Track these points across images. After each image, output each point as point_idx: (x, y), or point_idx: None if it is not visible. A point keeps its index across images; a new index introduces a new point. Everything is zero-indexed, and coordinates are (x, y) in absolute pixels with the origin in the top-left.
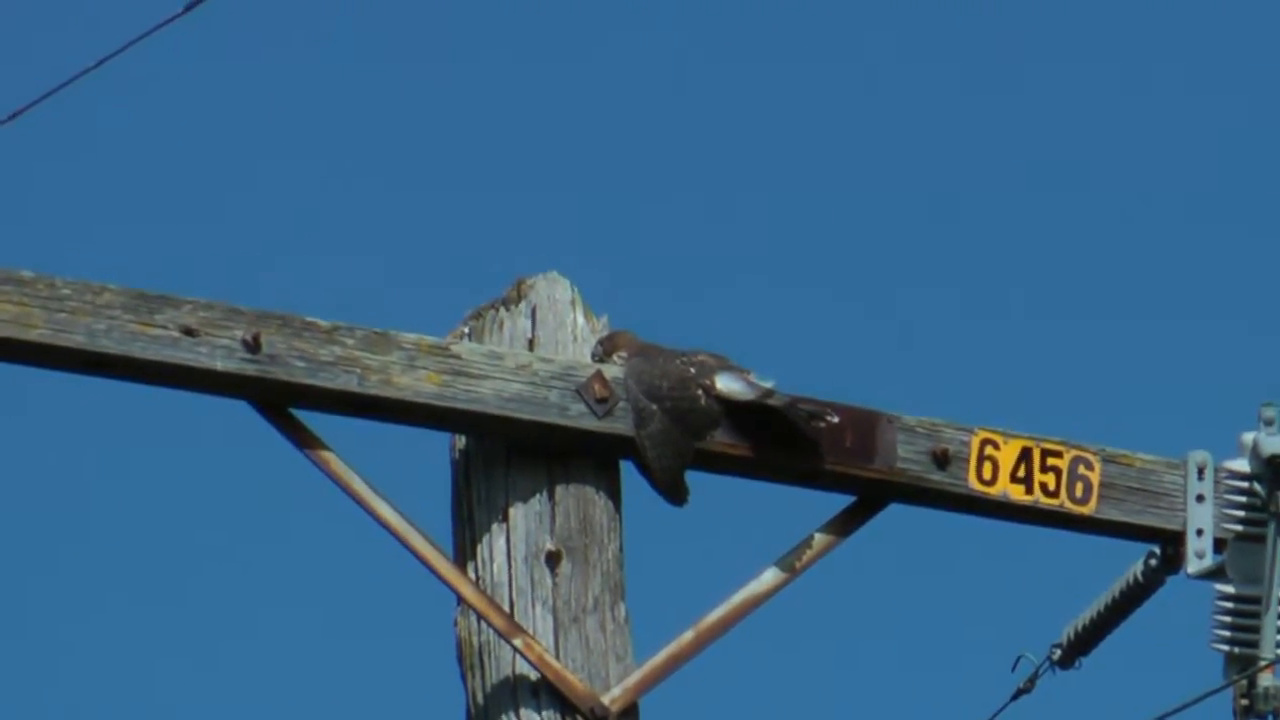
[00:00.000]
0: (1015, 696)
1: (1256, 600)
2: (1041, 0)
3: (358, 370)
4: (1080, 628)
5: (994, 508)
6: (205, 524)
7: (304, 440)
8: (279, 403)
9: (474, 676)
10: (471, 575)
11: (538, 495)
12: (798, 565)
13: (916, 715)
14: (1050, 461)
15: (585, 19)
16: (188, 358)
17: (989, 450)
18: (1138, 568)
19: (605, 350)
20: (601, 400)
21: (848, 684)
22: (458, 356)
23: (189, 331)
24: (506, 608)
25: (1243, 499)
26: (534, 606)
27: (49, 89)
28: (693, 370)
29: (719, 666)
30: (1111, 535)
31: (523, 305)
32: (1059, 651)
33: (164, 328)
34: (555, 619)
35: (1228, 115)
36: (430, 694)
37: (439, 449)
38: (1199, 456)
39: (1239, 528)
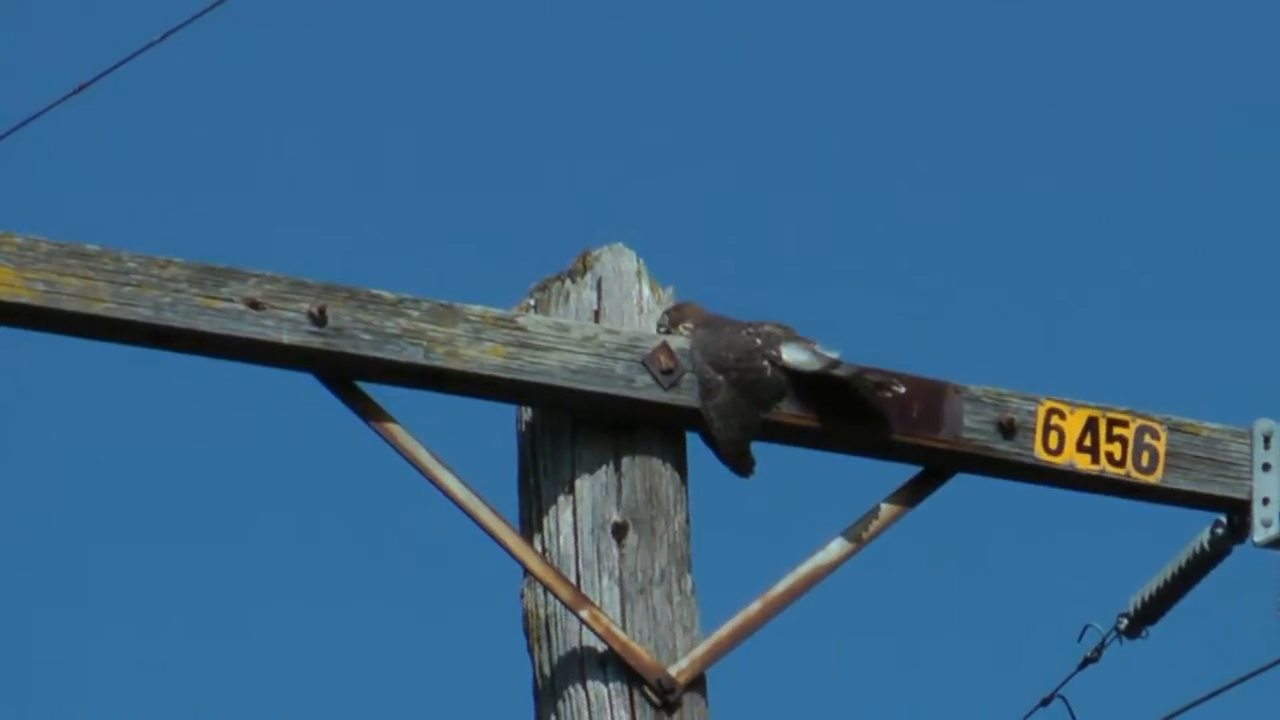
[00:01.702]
0: (1082, 666)
1: None
2: None
3: (424, 343)
4: (1147, 597)
5: (1060, 477)
6: (273, 497)
7: (370, 413)
8: (345, 376)
9: (541, 648)
10: (538, 547)
11: (604, 467)
12: (864, 536)
13: (982, 684)
14: (1116, 431)
15: None
16: (253, 331)
17: (1055, 420)
18: (1204, 537)
19: (672, 321)
20: (667, 372)
21: (914, 654)
22: (524, 329)
23: (254, 304)
24: (573, 579)
25: None
26: (600, 578)
27: (114, 63)
28: (759, 341)
29: (786, 638)
30: (1178, 504)
31: (588, 277)
32: (1126, 621)
33: (229, 301)
34: (622, 591)
35: None
36: (497, 666)
37: (505, 421)
38: (1265, 425)
39: None
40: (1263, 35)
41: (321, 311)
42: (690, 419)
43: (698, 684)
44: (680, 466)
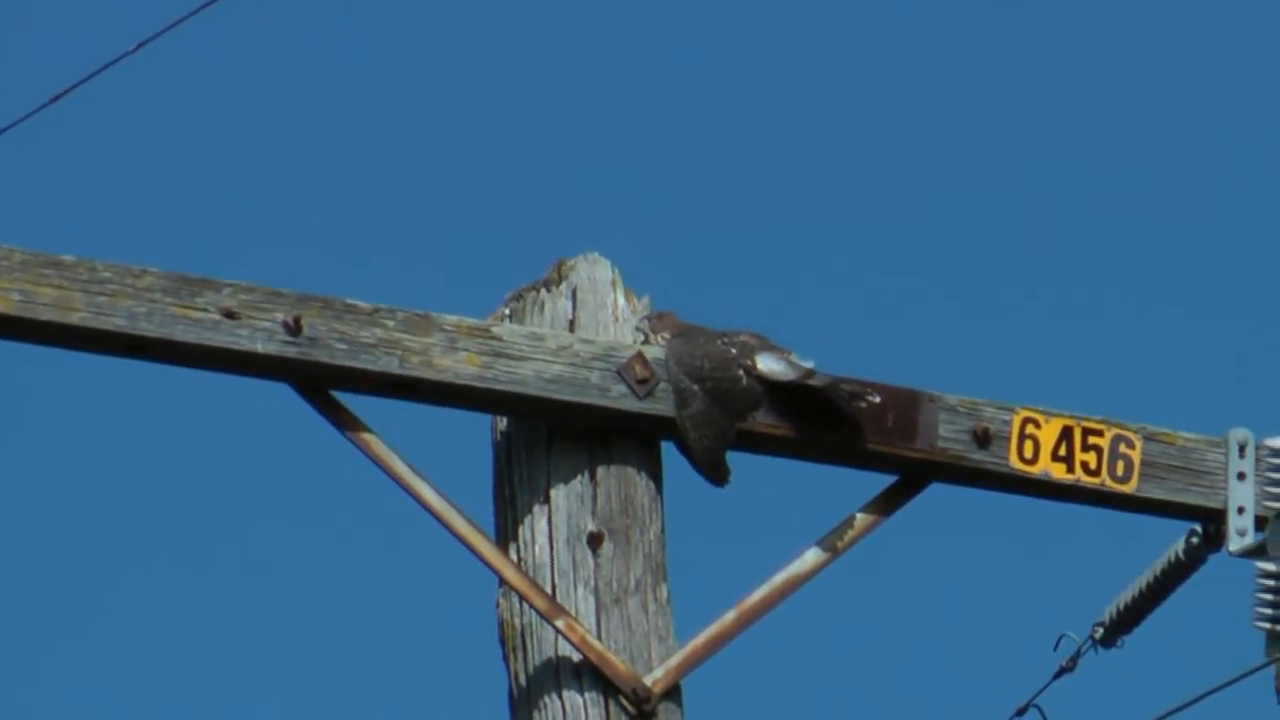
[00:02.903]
0: (1057, 675)
1: None
2: None
3: (399, 352)
4: (1122, 606)
5: (1035, 487)
6: (246, 507)
7: (345, 422)
8: (320, 385)
9: (516, 658)
10: (513, 557)
11: (579, 476)
12: (839, 545)
13: (958, 694)
14: (1091, 440)
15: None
16: (228, 340)
17: (1030, 429)
18: (1179, 546)
19: (652, 329)
20: (643, 381)
21: (890, 663)
22: (499, 338)
23: (230, 314)
24: (548, 589)
25: None
26: (576, 588)
27: (89, 72)
28: (734, 351)
29: (761, 647)
30: (1153, 514)
31: (563, 286)
32: (1101, 630)
33: (205, 310)
34: (597, 600)
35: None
36: (472, 676)
37: (480, 431)
38: (1240, 434)
39: None
40: (1257, 39)
41: (297, 321)
42: (665, 428)
43: (673, 693)
44: (655, 476)
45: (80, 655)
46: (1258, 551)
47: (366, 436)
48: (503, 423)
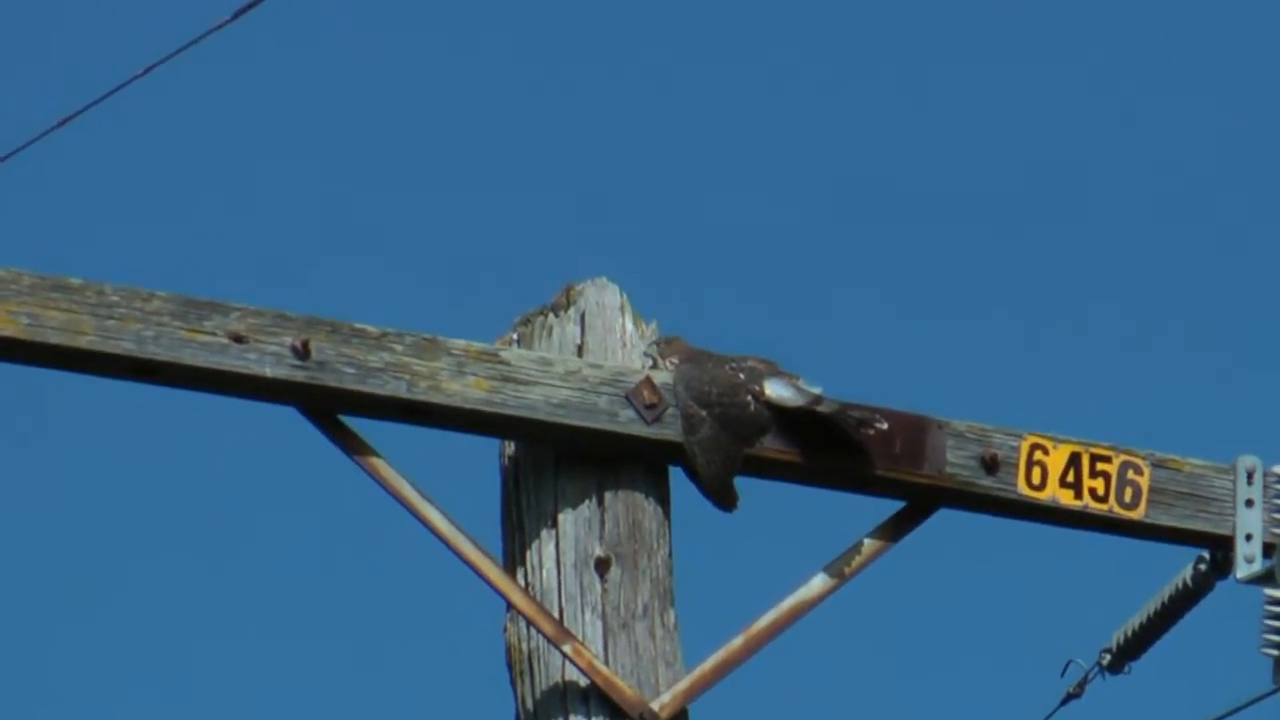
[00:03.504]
0: (1065, 701)
1: None
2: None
3: (407, 376)
4: (1129, 633)
5: (1043, 513)
6: (254, 531)
7: (353, 447)
8: (328, 409)
9: (523, 683)
10: (521, 581)
11: (587, 501)
12: (847, 571)
13: None
14: (1099, 466)
15: (641, 21)
16: (236, 364)
17: (1038, 455)
18: (1187, 573)
19: (660, 354)
20: (651, 406)
21: (897, 689)
22: (507, 363)
23: (238, 338)
24: (556, 614)
25: None
26: (583, 613)
27: (97, 96)
28: (742, 376)
29: (769, 672)
30: (1160, 540)
31: (572, 311)
32: (1108, 656)
33: (213, 334)
34: (605, 625)
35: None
36: (480, 700)
37: (488, 455)
38: (1248, 461)
39: None
40: (1248, 45)
41: (305, 345)
42: (673, 453)
43: (680, 719)
44: (663, 501)
45: (86, 673)
46: (1265, 578)
47: (374, 461)
48: (510, 447)
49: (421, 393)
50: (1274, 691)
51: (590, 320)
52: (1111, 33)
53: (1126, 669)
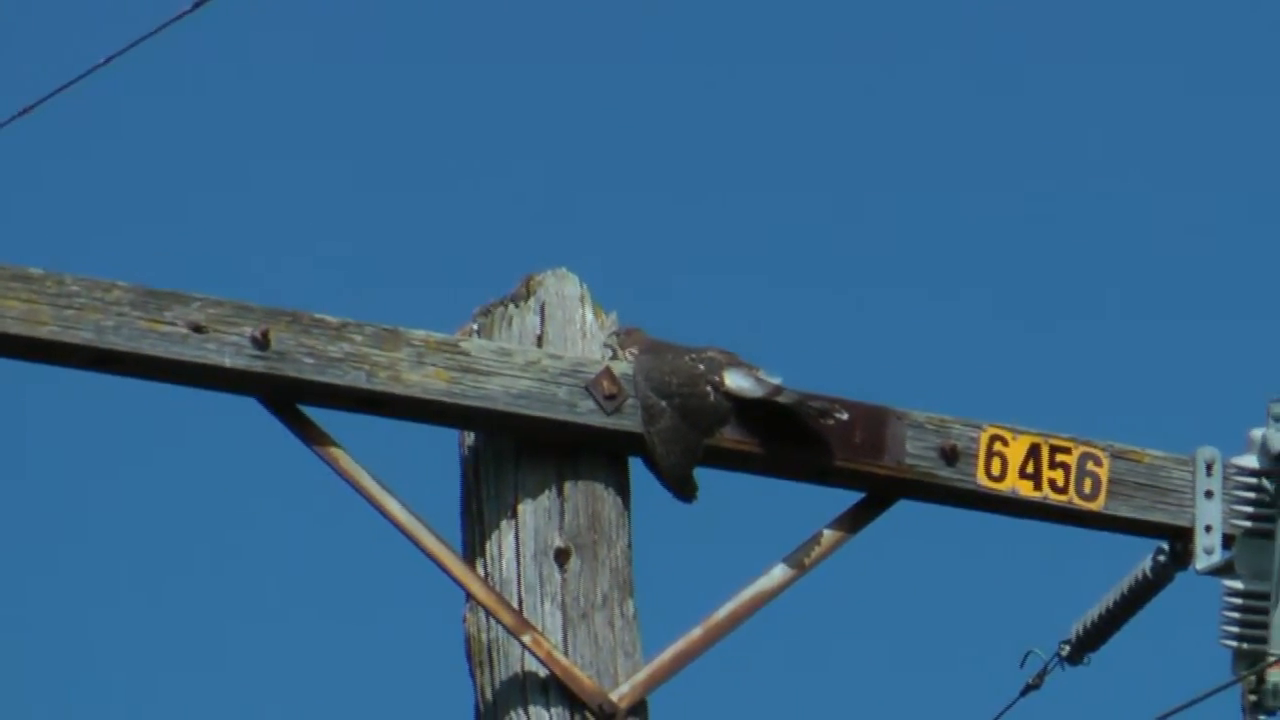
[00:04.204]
0: (1024, 692)
1: (1265, 596)
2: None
3: (366, 367)
4: (1089, 624)
5: (1003, 504)
6: (214, 521)
7: (313, 437)
8: (288, 399)
9: (483, 673)
10: (480, 572)
11: (547, 492)
12: (807, 562)
13: (925, 711)
14: (1059, 458)
15: (597, 16)
16: (196, 354)
17: (998, 446)
18: (1146, 564)
19: (621, 345)
20: (610, 397)
21: (856, 680)
22: (466, 353)
23: (198, 328)
24: (515, 604)
25: (1251, 495)
26: (543, 603)
27: (57, 86)
28: (702, 367)
29: (728, 663)
30: (1120, 531)
31: (531, 302)
32: (1068, 647)
33: (172, 324)
34: (564, 615)
35: (1233, 113)
36: (439, 691)
37: (448, 446)
38: (1207, 453)
39: (1247, 524)
40: (1256, 43)
41: (265, 335)
42: (633, 444)
43: (639, 709)
44: (623, 491)
45: (43, 668)
46: (1224, 570)
47: (334, 451)
48: (470, 438)
49: (381, 383)
50: (1233, 683)
51: (550, 311)
52: (1077, 26)
53: (1086, 660)
